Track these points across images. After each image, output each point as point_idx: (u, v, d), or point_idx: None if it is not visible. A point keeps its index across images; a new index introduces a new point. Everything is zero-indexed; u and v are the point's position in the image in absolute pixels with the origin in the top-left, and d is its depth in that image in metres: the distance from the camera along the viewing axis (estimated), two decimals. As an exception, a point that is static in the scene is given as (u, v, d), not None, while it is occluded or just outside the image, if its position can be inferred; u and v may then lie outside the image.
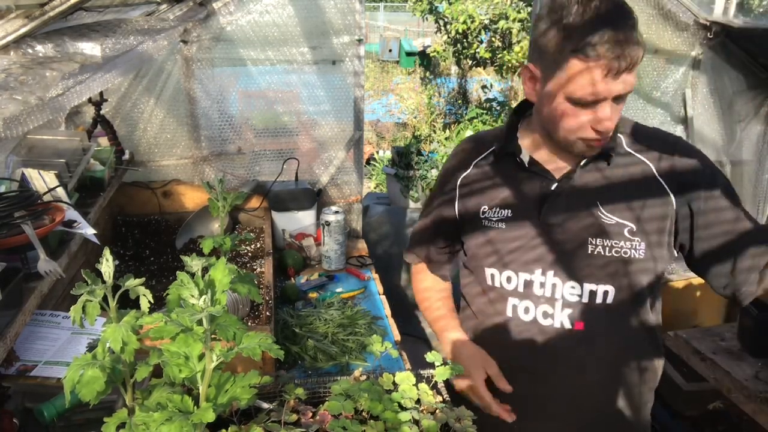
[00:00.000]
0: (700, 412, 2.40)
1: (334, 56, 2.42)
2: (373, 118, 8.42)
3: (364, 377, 1.19)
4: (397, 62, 12.28)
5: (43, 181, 1.45)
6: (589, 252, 1.17)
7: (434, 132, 7.18)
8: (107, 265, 0.87)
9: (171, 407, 0.81)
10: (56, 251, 1.33)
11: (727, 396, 1.95)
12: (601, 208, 1.17)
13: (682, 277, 3.06)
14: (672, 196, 1.15)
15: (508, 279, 1.26)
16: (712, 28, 2.60)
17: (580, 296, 1.19)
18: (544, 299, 1.22)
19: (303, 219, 2.44)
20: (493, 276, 1.29)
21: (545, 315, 1.23)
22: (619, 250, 1.16)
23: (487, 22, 6.99)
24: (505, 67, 7.13)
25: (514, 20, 6.73)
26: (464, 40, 7.29)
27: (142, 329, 0.87)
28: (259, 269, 2.07)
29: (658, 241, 1.17)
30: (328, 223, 2.24)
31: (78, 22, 1.13)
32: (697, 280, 3.04)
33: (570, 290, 1.20)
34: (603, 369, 1.24)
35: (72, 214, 1.38)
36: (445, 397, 1.19)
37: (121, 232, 2.26)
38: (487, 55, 7.13)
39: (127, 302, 0.93)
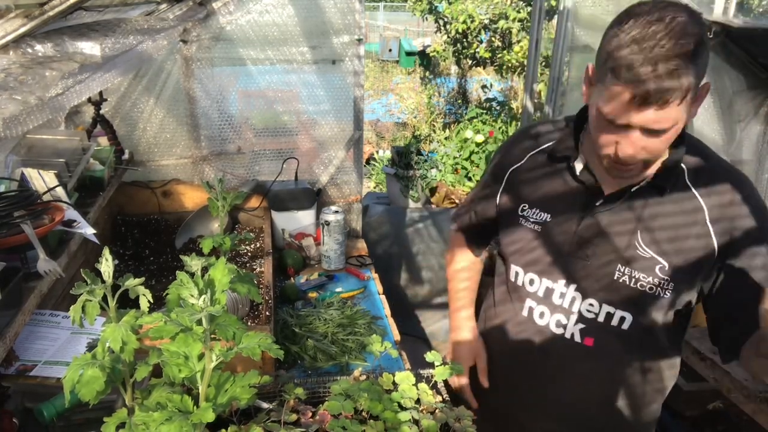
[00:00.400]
0: (700, 412, 2.40)
1: (334, 56, 2.42)
2: (372, 118, 8.42)
3: (363, 377, 1.19)
4: (397, 62, 12.28)
5: (42, 180, 1.45)
6: (615, 278, 1.14)
7: (434, 132, 7.18)
8: (107, 265, 0.86)
9: (171, 407, 0.81)
10: (56, 251, 1.33)
11: (726, 396, 1.95)
12: (639, 238, 1.12)
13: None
14: (716, 246, 1.08)
15: (531, 281, 1.26)
16: (712, 28, 2.60)
17: (596, 315, 1.18)
18: (561, 309, 1.22)
19: (303, 219, 2.44)
20: (517, 274, 1.29)
21: (558, 324, 1.23)
22: (645, 284, 1.12)
23: (487, 21, 7.00)
24: (504, 67, 7.14)
25: (514, 20, 6.73)
26: (464, 40, 7.29)
27: (142, 329, 0.87)
28: (258, 269, 2.07)
29: (688, 284, 1.12)
30: (327, 223, 2.24)
31: (77, 21, 1.13)
32: (697, 280, 3.04)
33: (588, 307, 1.19)
34: (607, 385, 1.25)
35: (71, 213, 1.38)
36: (444, 397, 1.19)
37: (120, 231, 2.26)
38: (487, 55, 7.13)
39: (127, 302, 0.93)
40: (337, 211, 2.27)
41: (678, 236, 1.10)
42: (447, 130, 7.04)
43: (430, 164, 3.41)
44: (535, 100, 3.05)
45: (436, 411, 1.11)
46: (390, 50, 12.70)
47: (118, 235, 2.25)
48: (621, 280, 1.14)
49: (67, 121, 2.19)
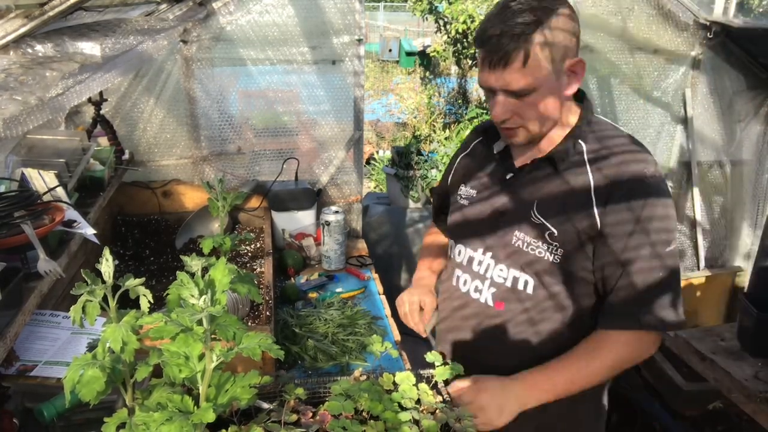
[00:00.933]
0: (700, 412, 2.40)
1: (334, 56, 2.42)
2: (373, 118, 8.41)
3: (364, 377, 1.19)
4: (397, 62, 12.27)
5: (42, 180, 1.45)
6: (513, 243, 1.26)
7: (434, 132, 7.18)
8: (107, 265, 0.86)
9: (171, 407, 0.81)
10: (56, 251, 1.33)
11: (727, 396, 1.95)
12: (534, 206, 1.23)
13: (682, 276, 3.06)
14: (597, 216, 1.16)
15: (459, 252, 1.39)
16: (712, 28, 2.60)
17: (506, 279, 1.28)
18: (478, 276, 1.33)
19: (303, 219, 2.44)
20: (451, 247, 1.44)
21: (476, 290, 1.33)
22: (535, 248, 1.22)
23: (487, 21, 6.98)
24: (505, 67, 7.12)
25: (514, 20, 6.72)
26: (464, 40, 7.28)
27: (142, 329, 0.87)
28: (259, 269, 2.07)
29: (577, 252, 1.19)
30: (328, 223, 2.24)
31: (78, 21, 1.13)
32: (697, 280, 3.05)
33: (499, 272, 1.29)
34: (519, 350, 1.29)
35: (72, 213, 1.38)
36: (445, 397, 1.19)
37: (121, 231, 2.26)
38: (487, 55, 7.11)
39: (127, 302, 0.93)
40: (337, 212, 2.27)
41: (566, 207, 1.19)
42: (447, 130, 7.04)
43: (431, 164, 3.41)
44: (535, 100, 3.05)
45: (437, 411, 1.11)
46: (390, 50, 12.69)
47: (118, 235, 2.25)
48: (517, 245, 1.25)
49: (67, 121, 2.19)
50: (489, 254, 1.30)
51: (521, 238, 1.24)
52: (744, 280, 3.08)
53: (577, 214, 1.17)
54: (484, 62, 1.12)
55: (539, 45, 1.07)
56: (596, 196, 1.16)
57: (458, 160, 1.48)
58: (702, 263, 3.09)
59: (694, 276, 3.06)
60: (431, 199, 1.61)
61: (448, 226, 1.46)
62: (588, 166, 1.19)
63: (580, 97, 1.26)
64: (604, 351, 1.19)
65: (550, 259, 1.20)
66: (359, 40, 2.40)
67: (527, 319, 1.27)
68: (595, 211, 1.16)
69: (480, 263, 1.32)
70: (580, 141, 1.21)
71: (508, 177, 1.29)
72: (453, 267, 1.40)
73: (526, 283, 1.25)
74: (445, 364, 1.22)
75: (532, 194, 1.24)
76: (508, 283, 1.27)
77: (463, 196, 1.39)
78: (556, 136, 1.23)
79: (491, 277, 1.30)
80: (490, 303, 1.30)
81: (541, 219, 1.21)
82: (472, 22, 6.95)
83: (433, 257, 1.59)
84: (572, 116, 1.23)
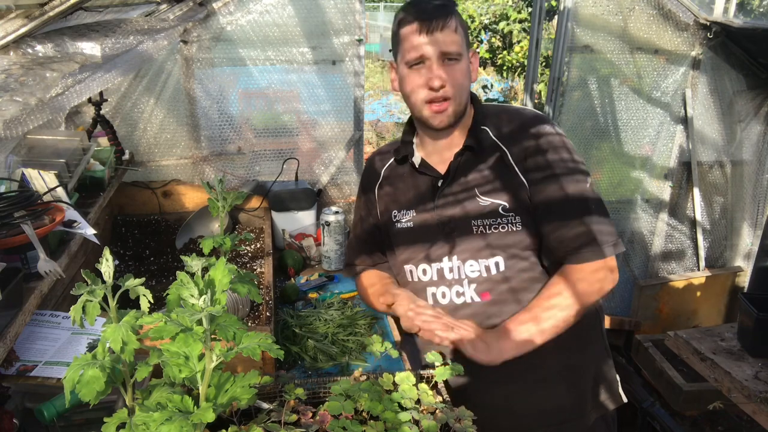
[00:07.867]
0: (700, 412, 2.40)
1: (334, 56, 2.42)
2: (373, 118, 8.40)
3: (364, 377, 1.19)
4: (397, 62, 12.25)
5: (43, 181, 1.45)
6: (475, 232, 1.32)
7: (434, 132, 7.17)
8: (107, 265, 0.86)
9: (171, 407, 0.81)
10: (56, 251, 1.33)
11: (727, 396, 1.95)
12: (477, 192, 1.33)
13: (682, 276, 3.06)
14: (522, 177, 1.31)
15: (424, 271, 1.40)
16: (712, 28, 2.60)
17: (480, 271, 1.33)
18: (455, 281, 1.36)
19: (303, 219, 2.44)
20: (411, 272, 1.43)
21: (458, 294, 1.36)
22: (497, 226, 1.31)
23: (487, 22, 7.00)
24: (505, 67, 7.14)
25: (514, 20, 6.74)
26: (464, 40, 7.30)
27: (142, 329, 0.87)
28: (259, 269, 2.07)
29: (528, 214, 1.31)
30: (328, 224, 2.24)
31: (78, 21, 1.13)
32: (698, 280, 3.05)
33: (470, 268, 1.34)
34: None
35: (72, 214, 1.38)
36: (445, 397, 1.19)
37: (121, 232, 2.26)
38: (488, 56, 7.13)
39: (127, 302, 0.93)
40: (337, 212, 2.27)
41: (501, 180, 1.32)
42: (447, 131, 7.03)
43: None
44: (535, 100, 3.05)
45: (437, 411, 1.11)
46: (390, 50, 12.68)
47: (118, 235, 2.25)
48: (479, 232, 1.32)
49: (67, 122, 2.19)
50: (455, 257, 1.35)
51: (480, 224, 1.32)
52: (744, 280, 3.08)
53: (511, 184, 1.31)
54: (419, 32, 1.25)
55: (458, 23, 1.27)
56: (515, 162, 1.32)
57: (375, 191, 1.50)
58: (702, 263, 3.09)
59: (694, 276, 3.06)
60: (353, 245, 1.54)
61: (399, 255, 1.44)
62: (499, 142, 1.34)
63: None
64: (572, 284, 1.29)
65: (513, 229, 1.30)
66: (359, 40, 2.40)
67: (512, 294, 1.33)
68: (521, 175, 1.31)
69: (451, 270, 1.36)
70: (483, 127, 1.36)
71: (439, 183, 1.37)
72: (423, 288, 1.40)
73: (497, 264, 1.32)
74: (445, 364, 1.22)
75: (468, 183, 1.34)
76: (484, 273, 1.33)
77: (403, 221, 1.43)
78: (464, 128, 1.37)
79: (466, 275, 1.34)
80: (477, 299, 1.33)
81: (489, 199, 1.32)
82: (472, 22, 6.96)
83: (392, 282, 1.50)
84: (470, 107, 1.39)
